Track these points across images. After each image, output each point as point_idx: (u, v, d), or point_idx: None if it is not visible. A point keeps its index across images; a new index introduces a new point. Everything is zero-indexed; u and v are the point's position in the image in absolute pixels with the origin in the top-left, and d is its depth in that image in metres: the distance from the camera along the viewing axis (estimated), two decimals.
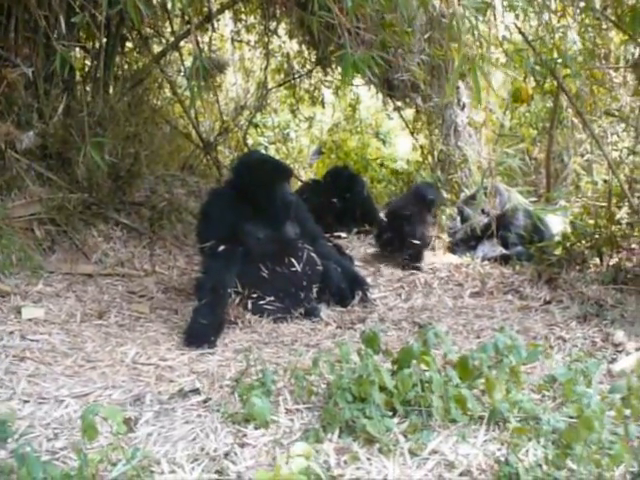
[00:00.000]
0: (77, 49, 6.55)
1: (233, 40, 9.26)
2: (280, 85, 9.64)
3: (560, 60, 5.46)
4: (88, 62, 7.00)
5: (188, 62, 7.54)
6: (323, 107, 10.29)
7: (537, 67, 5.51)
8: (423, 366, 3.11)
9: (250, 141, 9.69)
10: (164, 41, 8.02)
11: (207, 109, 8.87)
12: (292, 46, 9.03)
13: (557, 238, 6.01)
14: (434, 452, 2.70)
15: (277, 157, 8.82)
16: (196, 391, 3.33)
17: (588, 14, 5.73)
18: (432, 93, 7.38)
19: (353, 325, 4.66)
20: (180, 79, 8.44)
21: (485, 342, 3.41)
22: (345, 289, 5.15)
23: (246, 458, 2.65)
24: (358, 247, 7.10)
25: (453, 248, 6.75)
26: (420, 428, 2.84)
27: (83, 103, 5.56)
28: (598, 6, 5.29)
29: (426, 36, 6.66)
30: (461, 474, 2.55)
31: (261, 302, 4.70)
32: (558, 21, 5.85)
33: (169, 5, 6.86)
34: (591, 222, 5.78)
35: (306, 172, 10.57)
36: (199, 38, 7.28)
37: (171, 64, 8.39)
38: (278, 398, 3.17)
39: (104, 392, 3.35)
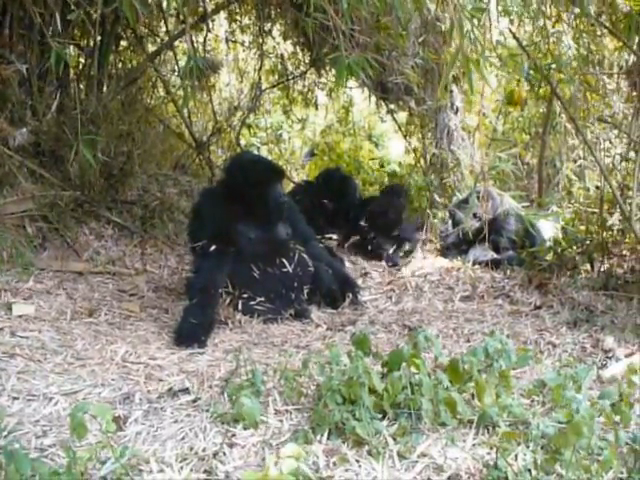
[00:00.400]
0: (71, 47, 6.52)
1: (227, 40, 9.26)
2: (274, 86, 9.62)
3: (554, 65, 5.47)
4: (82, 60, 6.98)
5: (182, 62, 7.52)
6: (316, 109, 10.29)
7: (531, 72, 5.52)
8: (413, 369, 3.11)
9: (243, 142, 9.67)
10: (158, 40, 8.00)
11: (200, 109, 8.86)
12: (286, 47, 9.01)
13: (548, 243, 6.02)
14: (423, 455, 2.70)
15: (269, 158, 8.79)
16: (185, 390, 3.32)
17: (583, 20, 5.74)
18: (425, 96, 7.39)
19: (343, 327, 4.67)
20: (174, 79, 8.43)
21: (475, 346, 3.42)
22: (336, 291, 5.16)
23: (235, 458, 2.65)
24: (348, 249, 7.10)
25: (444, 252, 6.76)
26: (409, 431, 2.84)
27: (76, 101, 5.56)
28: (593, 12, 5.29)
29: (420, 39, 6.67)
30: (450, 478, 2.56)
31: (252, 302, 4.70)
32: (553, 26, 5.86)
33: (164, 4, 6.85)
34: (582, 228, 5.81)
35: (298, 173, 10.56)
36: (193, 38, 7.27)
37: (165, 63, 8.37)
38: (267, 399, 3.17)
39: (93, 390, 3.34)
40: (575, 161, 8.10)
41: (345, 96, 10.32)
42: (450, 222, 6.96)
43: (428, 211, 7.35)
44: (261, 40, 8.68)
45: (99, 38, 6.35)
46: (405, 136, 8.61)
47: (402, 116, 8.65)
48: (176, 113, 8.30)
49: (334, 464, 2.61)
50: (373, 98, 8.46)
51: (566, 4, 5.34)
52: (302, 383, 3.28)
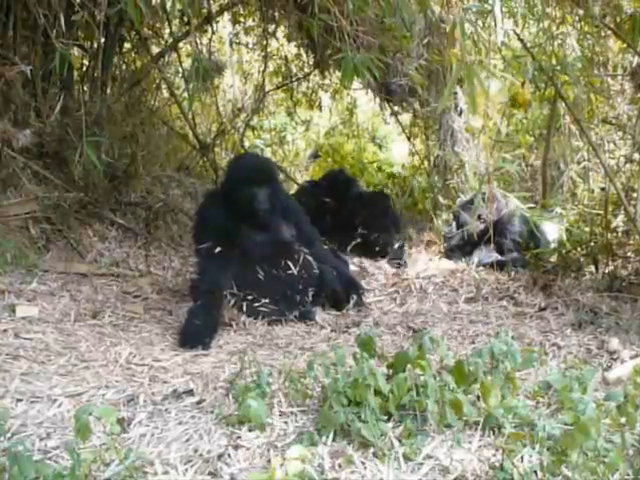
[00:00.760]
0: (75, 48, 6.53)
1: (231, 42, 9.26)
2: (278, 88, 9.61)
3: (559, 67, 5.46)
4: (86, 62, 6.99)
5: (186, 63, 7.54)
6: (320, 110, 10.29)
7: (535, 73, 5.52)
8: (418, 370, 3.10)
9: (247, 143, 9.67)
10: (162, 42, 8.01)
11: (204, 111, 8.87)
12: (290, 49, 9.03)
13: (553, 245, 6.02)
14: (429, 457, 2.69)
15: (272, 159, 8.74)
16: (190, 392, 3.31)
17: (587, 22, 5.74)
18: (429, 98, 7.39)
19: (348, 329, 4.66)
20: (178, 80, 8.44)
21: (480, 347, 3.41)
22: (340, 293, 5.15)
23: (240, 460, 2.64)
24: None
25: (448, 253, 6.76)
26: (415, 433, 2.82)
27: (80, 102, 5.56)
28: (597, 14, 5.28)
29: (425, 41, 6.66)
30: (455, 479, 2.55)
31: (256, 304, 4.69)
32: (557, 28, 5.85)
33: (168, 5, 6.85)
34: (587, 230, 5.79)
35: (302, 175, 10.56)
36: (198, 40, 7.27)
37: (169, 65, 8.38)
38: (272, 400, 3.15)
39: (97, 392, 3.33)
40: (579, 163, 8.08)
41: (349, 98, 10.34)
42: (454, 224, 6.95)
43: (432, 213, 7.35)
44: (265, 42, 8.68)
45: (103, 40, 6.34)
46: (409, 138, 8.61)
47: (406, 118, 8.66)
48: (180, 115, 8.30)
49: (339, 466, 2.60)
50: (377, 100, 8.46)
51: (570, 6, 5.34)
52: (307, 385, 3.27)
